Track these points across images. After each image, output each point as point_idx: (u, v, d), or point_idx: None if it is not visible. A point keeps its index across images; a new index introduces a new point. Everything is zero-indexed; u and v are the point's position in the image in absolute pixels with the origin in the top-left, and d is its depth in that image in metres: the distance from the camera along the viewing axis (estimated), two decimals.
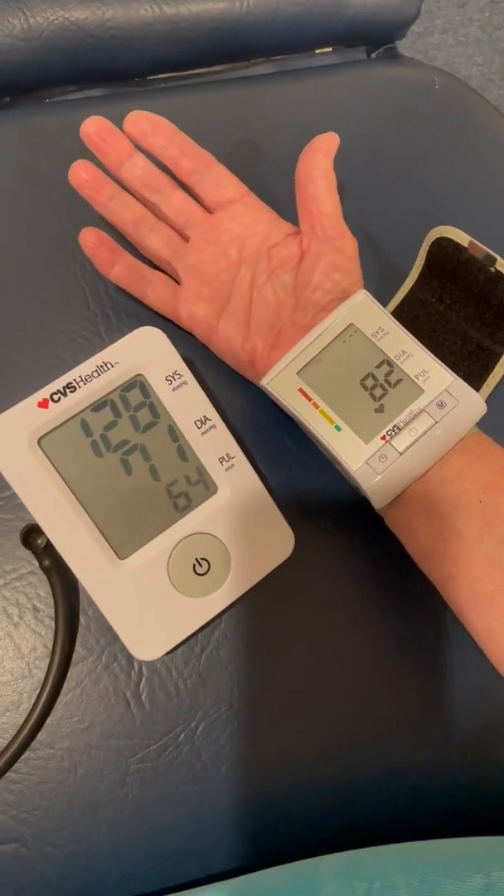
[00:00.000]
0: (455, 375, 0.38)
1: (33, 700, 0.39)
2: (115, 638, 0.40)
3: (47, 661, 0.39)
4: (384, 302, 0.47)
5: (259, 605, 0.42)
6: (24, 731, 0.38)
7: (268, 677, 0.41)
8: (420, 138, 0.53)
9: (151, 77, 0.57)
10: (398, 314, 0.47)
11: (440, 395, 0.38)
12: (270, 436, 0.44)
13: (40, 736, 0.39)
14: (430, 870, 0.34)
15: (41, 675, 0.39)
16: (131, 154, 0.41)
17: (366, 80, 0.57)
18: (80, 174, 0.41)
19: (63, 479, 0.37)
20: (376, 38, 0.61)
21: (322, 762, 0.41)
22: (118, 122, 0.42)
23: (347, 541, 0.43)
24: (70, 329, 0.44)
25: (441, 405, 0.37)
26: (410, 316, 0.47)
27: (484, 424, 0.39)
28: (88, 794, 0.39)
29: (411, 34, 1.33)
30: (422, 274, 0.47)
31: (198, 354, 0.44)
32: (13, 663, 0.40)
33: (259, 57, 0.59)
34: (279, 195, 0.45)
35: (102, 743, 0.39)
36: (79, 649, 0.40)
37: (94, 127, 0.41)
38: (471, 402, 0.37)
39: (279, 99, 0.54)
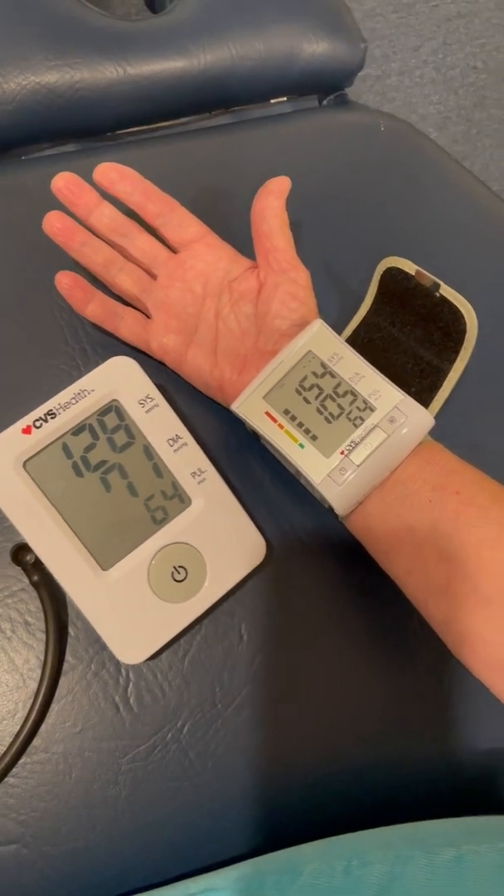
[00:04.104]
0: (404, 393, 0.41)
1: (28, 708, 0.41)
2: (103, 647, 0.43)
3: (40, 671, 0.42)
4: (342, 326, 0.51)
5: (236, 609, 0.45)
6: (21, 738, 0.41)
7: (247, 677, 0.44)
8: (369, 176, 0.58)
9: (120, 132, 0.62)
10: (355, 337, 0.50)
11: (391, 411, 0.41)
12: (242, 453, 0.47)
13: (35, 742, 0.42)
14: (405, 846, 0.37)
15: (34, 686, 0.42)
16: (98, 203, 0.45)
17: (318, 126, 0.62)
18: (54, 223, 0.46)
19: (48, 498, 0.40)
20: (326, 87, 0.66)
21: (303, 755, 0.43)
22: (89, 175, 0.46)
23: (317, 546, 0.46)
24: (51, 363, 0.48)
25: (392, 420, 0.41)
26: (366, 339, 0.50)
27: (435, 433, 0.42)
28: (83, 794, 0.41)
29: (370, 78, 1.39)
30: (375, 300, 0.51)
31: (170, 382, 0.48)
32: (8, 675, 0.43)
33: (218, 108, 0.64)
34: (239, 233, 0.49)
35: (94, 746, 0.42)
36: (69, 659, 0.43)
37: (63, 181, 0.45)
38: (419, 417, 0.41)
39: (238, 146, 0.59)
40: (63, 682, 0.43)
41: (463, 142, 1.41)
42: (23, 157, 0.59)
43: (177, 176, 0.55)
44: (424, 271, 0.46)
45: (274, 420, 0.42)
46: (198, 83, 0.59)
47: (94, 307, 0.47)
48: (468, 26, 1.47)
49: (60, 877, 0.41)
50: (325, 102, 0.67)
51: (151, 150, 0.58)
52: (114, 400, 0.42)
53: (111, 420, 0.42)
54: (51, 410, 0.40)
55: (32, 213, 0.51)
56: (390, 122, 0.61)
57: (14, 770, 0.41)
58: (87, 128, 0.60)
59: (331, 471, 0.40)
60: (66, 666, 0.43)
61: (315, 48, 0.62)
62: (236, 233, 0.49)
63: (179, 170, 0.56)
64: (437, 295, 0.46)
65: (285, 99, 0.66)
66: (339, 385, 0.42)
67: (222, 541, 0.43)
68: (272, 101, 0.66)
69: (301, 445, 0.41)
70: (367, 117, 0.62)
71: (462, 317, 0.46)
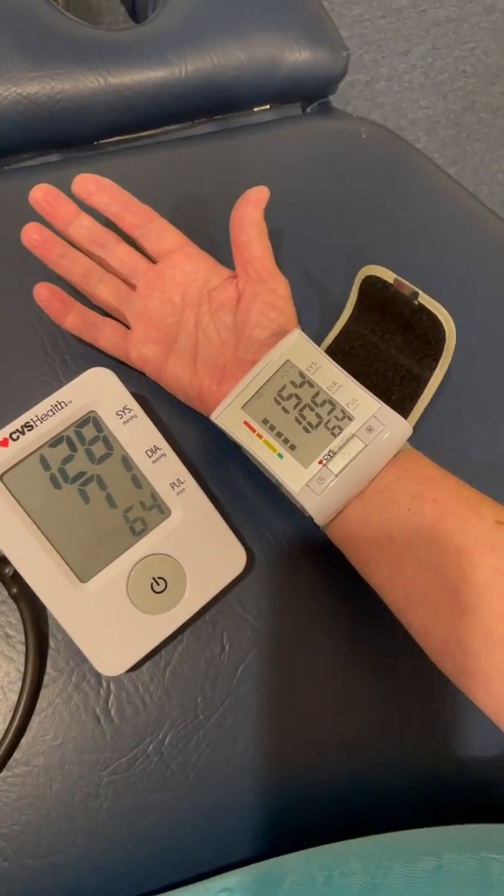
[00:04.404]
0: (381, 402, 0.41)
1: (8, 721, 0.41)
2: (84, 659, 0.43)
3: (20, 684, 0.42)
4: (323, 334, 0.51)
5: (218, 619, 0.45)
6: (1, 751, 0.41)
7: (229, 687, 0.44)
8: (351, 184, 0.58)
9: (102, 141, 0.62)
10: (336, 345, 0.51)
11: (368, 420, 0.41)
12: (223, 462, 0.47)
13: (16, 755, 0.42)
14: (386, 856, 0.37)
15: (15, 698, 0.42)
16: (77, 214, 0.46)
17: (300, 134, 0.62)
18: (32, 235, 0.46)
19: (25, 511, 0.40)
20: (309, 95, 0.66)
21: (285, 765, 0.43)
22: (71, 185, 0.46)
23: (298, 554, 0.46)
24: (31, 375, 0.48)
25: (370, 430, 0.41)
26: (347, 347, 0.50)
27: (415, 440, 0.42)
28: (64, 807, 0.41)
29: (358, 83, 1.40)
30: (355, 309, 0.51)
31: (151, 392, 0.48)
32: None
33: (201, 117, 0.64)
34: (221, 243, 0.49)
35: (75, 758, 0.42)
36: (49, 671, 0.43)
37: (41, 193, 0.45)
38: (396, 426, 0.41)
39: (221, 155, 0.59)
40: (43, 694, 0.43)
41: (452, 146, 1.41)
42: (5, 168, 0.59)
43: (159, 185, 0.55)
44: (403, 280, 0.47)
45: (253, 430, 0.42)
46: (179, 92, 0.60)
47: (73, 318, 0.47)
48: (457, 31, 1.47)
49: (41, 889, 0.40)
50: (308, 110, 0.67)
51: (134, 160, 0.58)
52: (91, 411, 0.42)
53: (89, 431, 0.42)
54: (28, 422, 0.40)
55: (12, 224, 0.51)
56: (372, 129, 0.61)
57: None
58: (68, 138, 0.60)
59: (309, 480, 0.41)
60: (46, 678, 0.43)
61: (297, 56, 0.62)
62: (218, 242, 0.49)
63: (162, 179, 0.56)
64: (416, 303, 0.46)
65: (268, 107, 0.66)
66: (317, 394, 0.42)
67: (202, 551, 0.43)
68: (255, 109, 0.66)
69: (280, 455, 0.41)
70: (350, 124, 0.62)
71: (441, 325, 0.46)
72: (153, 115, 0.61)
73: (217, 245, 0.49)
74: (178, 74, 0.59)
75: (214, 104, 0.63)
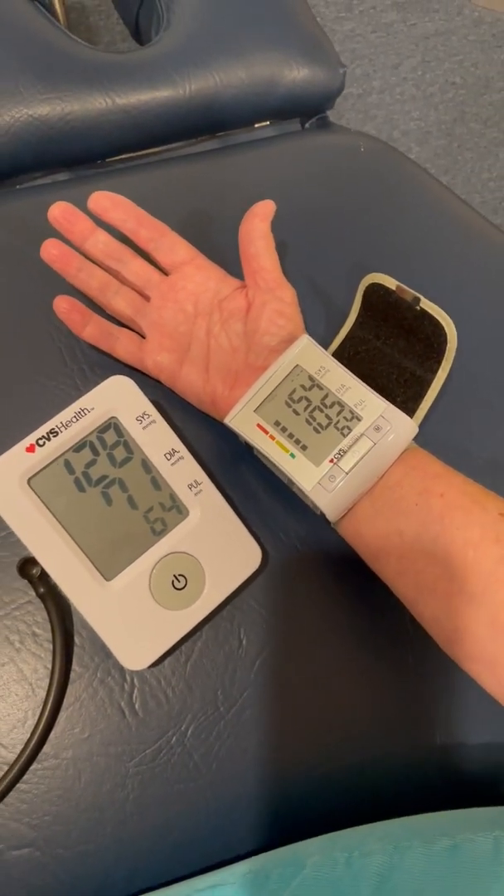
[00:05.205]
0: (388, 403, 0.43)
1: (37, 716, 0.43)
2: (108, 655, 0.44)
3: (48, 680, 0.44)
4: (329, 340, 0.53)
5: (236, 615, 0.46)
6: (31, 745, 0.42)
7: (247, 680, 0.45)
8: (351, 196, 0.60)
9: (110, 159, 0.64)
10: (341, 351, 0.53)
11: (376, 420, 0.43)
12: (236, 465, 0.49)
13: (46, 748, 0.43)
14: (404, 837, 0.39)
15: (43, 694, 0.44)
16: (93, 230, 0.48)
17: (300, 149, 0.64)
18: (51, 251, 0.48)
19: (52, 513, 0.42)
20: (307, 110, 0.69)
21: (304, 754, 0.45)
22: (82, 202, 0.48)
23: (310, 552, 0.48)
24: (50, 384, 0.50)
25: (378, 429, 0.43)
26: (352, 352, 0.52)
27: (420, 439, 0.44)
28: (92, 797, 0.43)
29: (351, 96, 1.42)
30: (359, 315, 0.53)
31: (166, 398, 0.50)
32: (17, 685, 0.44)
33: (204, 135, 0.67)
34: (227, 254, 0.51)
35: (102, 750, 0.44)
36: (75, 667, 0.45)
37: (59, 210, 0.47)
38: (403, 425, 0.43)
39: (225, 170, 0.61)
40: (70, 689, 0.44)
41: (444, 156, 1.44)
42: (17, 187, 0.61)
43: (166, 200, 0.57)
44: (405, 286, 0.49)
45: (265, 432, 0.44)
46: (184, 111, 0.62)
47: (91, 329, 0.49)
48: (446, 43, 1.50)
49: (72, 878, 0.42)
50: (307, 125, 0.69)
51: (141, 177, 0.60)
52: (112, 417, 0.44)
53: (110, 436, 0.44)
54: (53, 429, 0.42)
55: (27, 240, 0.53)
56: (370, 142, 0.63)
57: (25, 776, 0.43)
58: (78, 157, 0.62)
59: (321, 478, 0.42)
60: (72, 674, 0.44)
61: (296, 74, 0.64)
62: (225, 253, 0.51)
63: (168, 194, 0.58)
64: (418, 308, 0.48)
65: (268, 123, 0.69)
66: (326, 396, 0.43)
67: (219, 549, 0.45)
68: (256, 125, 0.68)
69: (292, 455, 0.43)
70: (348, 139, 0.64)
71: (442, 328, 0.48)
72: (159, 134, 0.63)
73: (223, 257, 0.51)
74: (182, 94, 0.61)
75: (217, 121, 0.65)
